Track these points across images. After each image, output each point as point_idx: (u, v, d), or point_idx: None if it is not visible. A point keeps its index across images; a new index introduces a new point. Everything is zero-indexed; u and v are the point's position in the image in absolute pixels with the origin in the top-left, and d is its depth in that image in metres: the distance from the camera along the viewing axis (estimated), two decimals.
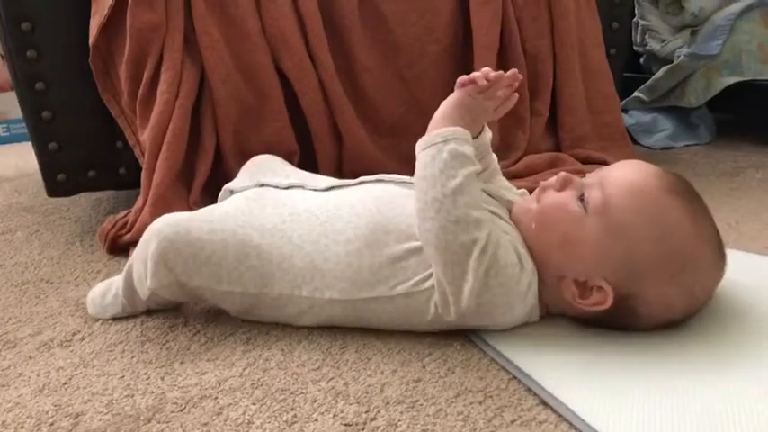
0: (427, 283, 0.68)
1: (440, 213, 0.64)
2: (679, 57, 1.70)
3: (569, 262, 0.67)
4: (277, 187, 0.83)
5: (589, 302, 0.66)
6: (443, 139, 0.67)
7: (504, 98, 0.74)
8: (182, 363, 0.69)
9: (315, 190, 0.82)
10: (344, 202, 0.76)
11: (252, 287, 0.72)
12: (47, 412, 0.61)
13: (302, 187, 0.83)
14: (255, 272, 0.72)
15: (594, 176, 0.69)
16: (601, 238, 0.65)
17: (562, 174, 0.70)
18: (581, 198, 0.67)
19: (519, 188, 0.81)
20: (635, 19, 1.85)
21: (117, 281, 0.80)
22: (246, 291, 0.73)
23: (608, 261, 0.65)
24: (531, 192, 0.77)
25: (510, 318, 0.68)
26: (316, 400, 0.61)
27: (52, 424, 0.59)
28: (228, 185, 0.89)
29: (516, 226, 0.72)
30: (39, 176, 1.18)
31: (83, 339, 0.75)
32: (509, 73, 0.71)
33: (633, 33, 1.88)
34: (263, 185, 0.84)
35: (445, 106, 0.72)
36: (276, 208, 0.77)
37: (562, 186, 0.69)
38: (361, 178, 0.82)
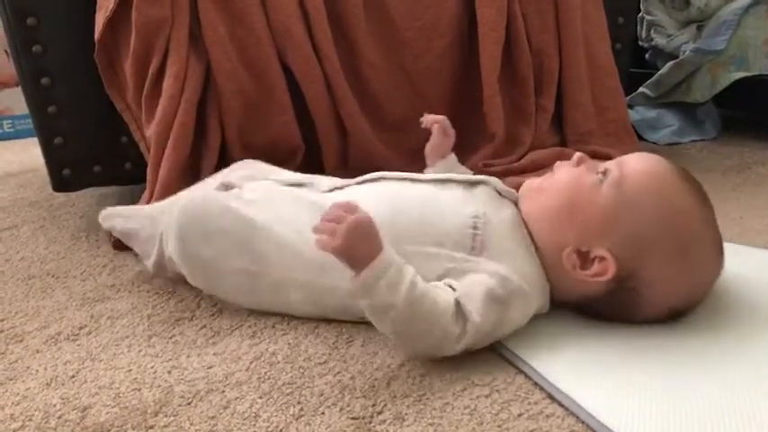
0: None
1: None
2: (685, 52, 1.69)
3: (574, 229, 0.67)
4: (282, 182, 0.84)
5: (590, 273, 0.66)
6: (360, 297, 0.63)
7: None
8: (188, 357, 0.69)
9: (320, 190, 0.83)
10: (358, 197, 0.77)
11: (253, 266, 0.74)
12: (54, 405, 0.61)
13: (306, 186, 0.84)
14: (257, 252, 0.74)
15: (613, 161, 0.71)
16: (611, 207, 0.66)
17: (579, 153, 0.72)
18: (598, 172, 0.69)
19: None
20: (640, 14, 1.84)
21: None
22: (249, 269, 0.74)
23: (614, 231, 0.66)
24: None
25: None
26: (322, 394, 0.61)
27: (60, 417, 0.59)
28: (223, 180, 0.88)
29: (521, 202, 0.74)
30: (44, 172, 1.18)
31: (89, 333, 0.75)
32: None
33: (639, 28, 1.87)
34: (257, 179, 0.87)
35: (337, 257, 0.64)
36: (287, 200, 0.79)
37: (578, 164, 0.71)
38: (363, 177, 0.82)
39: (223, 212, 0.75)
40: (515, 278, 0.66)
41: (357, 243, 0.62)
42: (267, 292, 0.75)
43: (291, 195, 0.80)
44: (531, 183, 0.75)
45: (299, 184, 0.84)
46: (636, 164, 0.69)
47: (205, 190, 0.84)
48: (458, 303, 0.63)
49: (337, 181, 0.85)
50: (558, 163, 0.74)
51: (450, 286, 0.66)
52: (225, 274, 0.75)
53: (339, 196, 0.80)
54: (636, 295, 0.66)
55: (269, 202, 0.78)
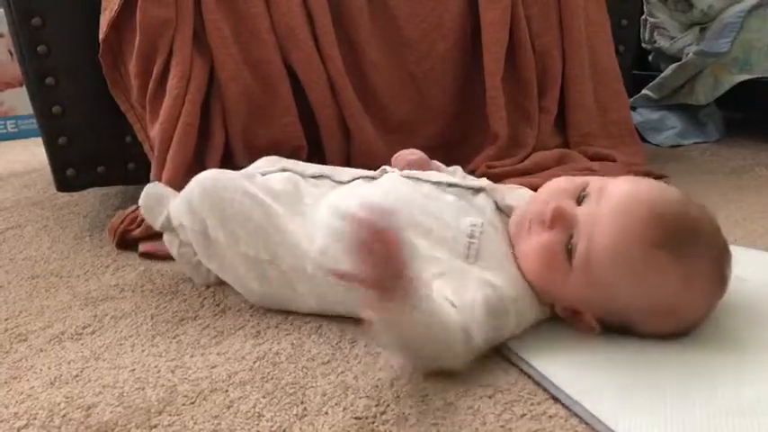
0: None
1: None
2: (688, 54, 1.69)
3: (556, 298, 0.68)
4: (302, 174, 0.85)
5: (581, 326, 0.68)
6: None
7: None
8: (192, 356, 0.69)
9: (340, 182, 0.84)
10: (365, 193, 0.78)
11: (264, 254, 0.75)
12: (59, 404, 0.61)
13: (328, 178, 0.85)
14: (271, 241, 0.75)
15: (588, 207, 0.66)
16: (583, 291, 0.65)
17: (555, 210, 0.66)
18: (569, 244, 0.65)
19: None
20: (644, 16, 1.84)
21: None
22: (259, 256, 0.75)
23: (591, 306, 0.66)
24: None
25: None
26: (325, 394, 0.61)
27: (64, 416, 0.59)
28: (245, 171, 0.89)
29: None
30: (48, 171, 1.18)
31: (93, 333, 0.75)
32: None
33: (642, 31, 1.87)
34: (286, 170, 0.87)
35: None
36: (307, 193, 0.81)
37: (552, 224, 0.66)
38: (384, 167, 0.83)
39: (245, 197, 0.76)
40: (512, 291, 0.66)
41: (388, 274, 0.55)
42: (275, 280, 0.75)
43: (313, 193, 0.81)
44: (517, 231, 0.70)
45: (320, 176, 0.85)
46: (604, 232, 0.63)
47: (228, 173, 0.83)
48: (465, 331, 0.61)
49: (357, 171, 0.85)
50: (534, 214, 0.68)
51: (451, 302, 0.64)
52: (236, 257, 0.76)
53: (358, 187, 0.81)
54: (630, 331, 0.67)
55: (290, 196, 0.80)
